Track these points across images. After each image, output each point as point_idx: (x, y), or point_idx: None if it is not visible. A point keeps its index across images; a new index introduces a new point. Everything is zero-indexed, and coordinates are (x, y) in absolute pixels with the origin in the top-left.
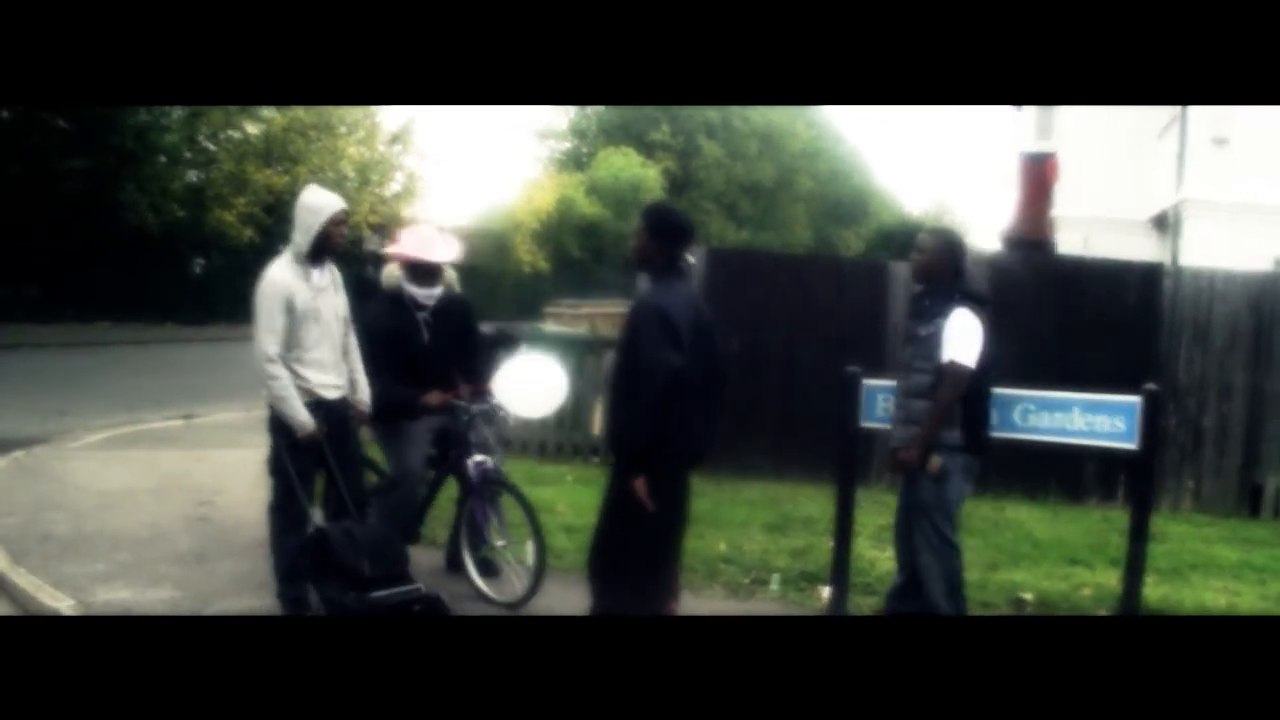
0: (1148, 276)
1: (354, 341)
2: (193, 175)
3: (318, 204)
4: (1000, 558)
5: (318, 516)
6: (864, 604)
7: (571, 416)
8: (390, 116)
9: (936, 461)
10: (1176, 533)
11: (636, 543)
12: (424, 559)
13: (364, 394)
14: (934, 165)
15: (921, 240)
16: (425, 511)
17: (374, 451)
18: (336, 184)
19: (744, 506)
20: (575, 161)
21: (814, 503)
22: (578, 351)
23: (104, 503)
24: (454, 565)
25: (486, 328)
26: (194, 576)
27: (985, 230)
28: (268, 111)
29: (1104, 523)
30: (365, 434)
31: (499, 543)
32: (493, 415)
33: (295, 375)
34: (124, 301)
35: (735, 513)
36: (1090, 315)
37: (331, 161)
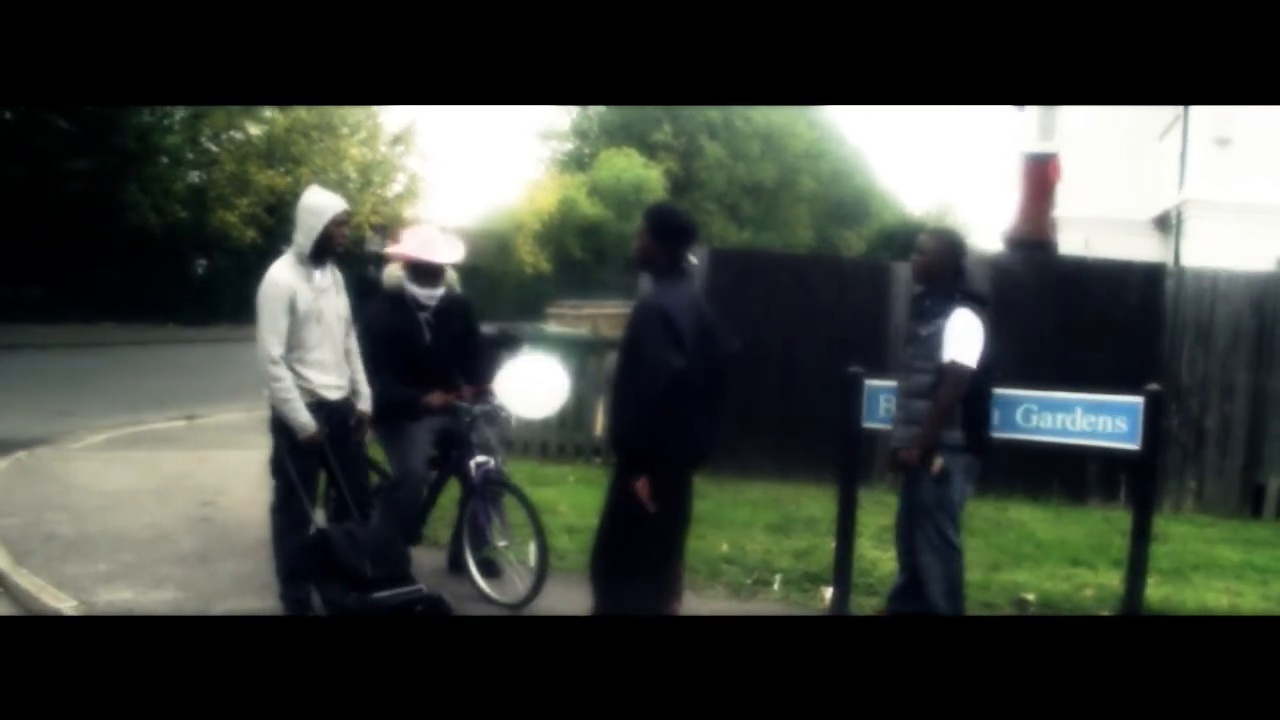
0: (1150, 277)
1: (355, 344)
2: (195, 176)
3: (319, 205)
4: (1002, 558)
5: (319, 518)
6: (866, 604)
7: (573, 417)
8: (392, 117)
9: (939, 463)
10: (1178, 533)
11: (639, 543)
12: (426, 560)
13: (365, 398)
14: (936, 166)
15: (922, 241)
16: (427, 512)
17: (376, 452)
18: (338, 185)
19: (746, 507)
20: (577, 162)
21: (816, 503)
22: (579, 352)
23: (106, 503)
24: (456, 566)
25: (488, 328)
26: (196, 577)
27: (987, 231)
28: (270, 112)
29: (1106, 523)
30: (367, 434)
31: (501, 543)
32: (495, 416)
33: (297, 376)
34: (126, 302)
35: (737, 513)
36: (1092, 315)
37: (334, 162)
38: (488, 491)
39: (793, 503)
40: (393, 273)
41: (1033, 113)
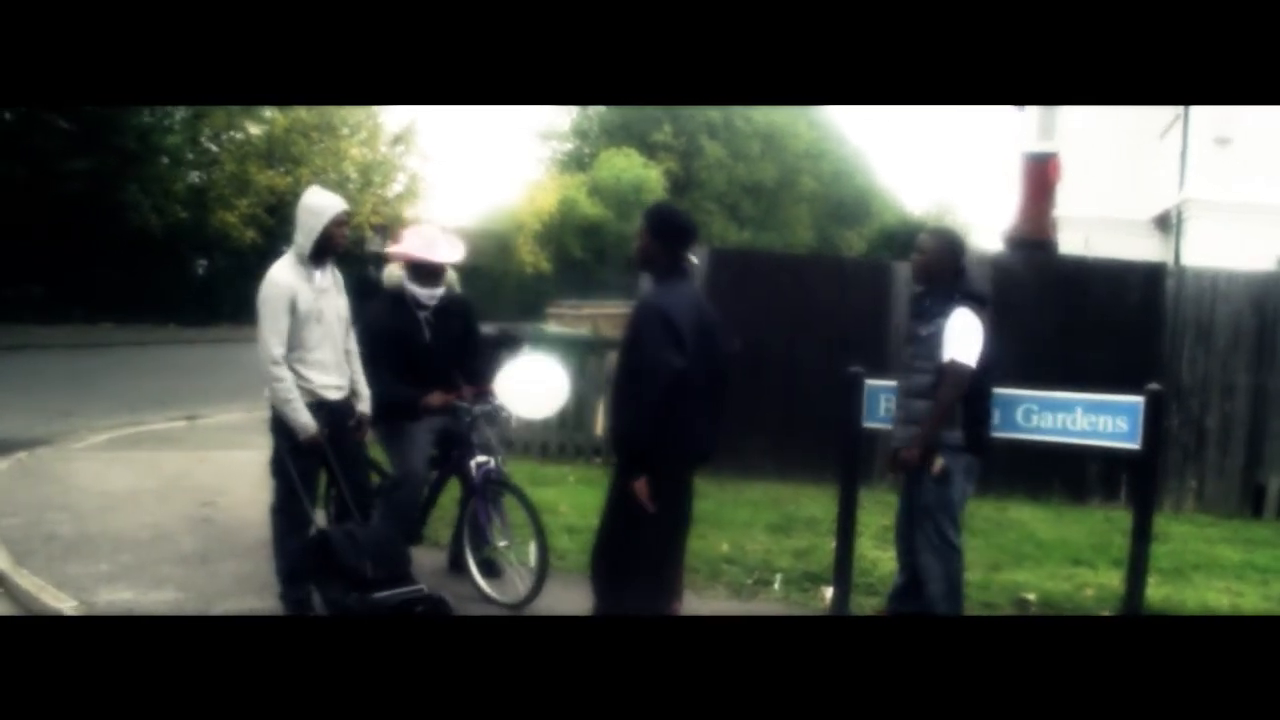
0: (1150, 276)
1: (354, 345)
2: (195, 176)
3: (319, 205)
4: (1003, 558)
5: (320, 518)
6: (866, 604)
7: (574, 417)
8: (392, 117)
9: (940, 463)
10: (1179, 533)
11: (639, 544)
12: (426, 560)
13: (364, 399)
14: (936, 165)
15: (921, 241)
16: (428, 512)
17: (376, 452)
18: (339, 185)
19: (746, 507)
20: (577, 162)
21: (816, 503)
22: (580, 352)
23: (107, 504)
24: (456, 566)
25: (489, 328)
26: (197, 578)
27: (988, 230)
28: (270, 112)
29: (1107, 523)
30: (367, 435)
31: (501, 543)
32: (495, 416)
33: (298, 376)
34: (126, 303)
35: (738, 513)
36: (1093, 315)
37: (334, 162)
38: (488, 491)
39: (793, 502)
40: (393, 272)
41: (1033, 113)
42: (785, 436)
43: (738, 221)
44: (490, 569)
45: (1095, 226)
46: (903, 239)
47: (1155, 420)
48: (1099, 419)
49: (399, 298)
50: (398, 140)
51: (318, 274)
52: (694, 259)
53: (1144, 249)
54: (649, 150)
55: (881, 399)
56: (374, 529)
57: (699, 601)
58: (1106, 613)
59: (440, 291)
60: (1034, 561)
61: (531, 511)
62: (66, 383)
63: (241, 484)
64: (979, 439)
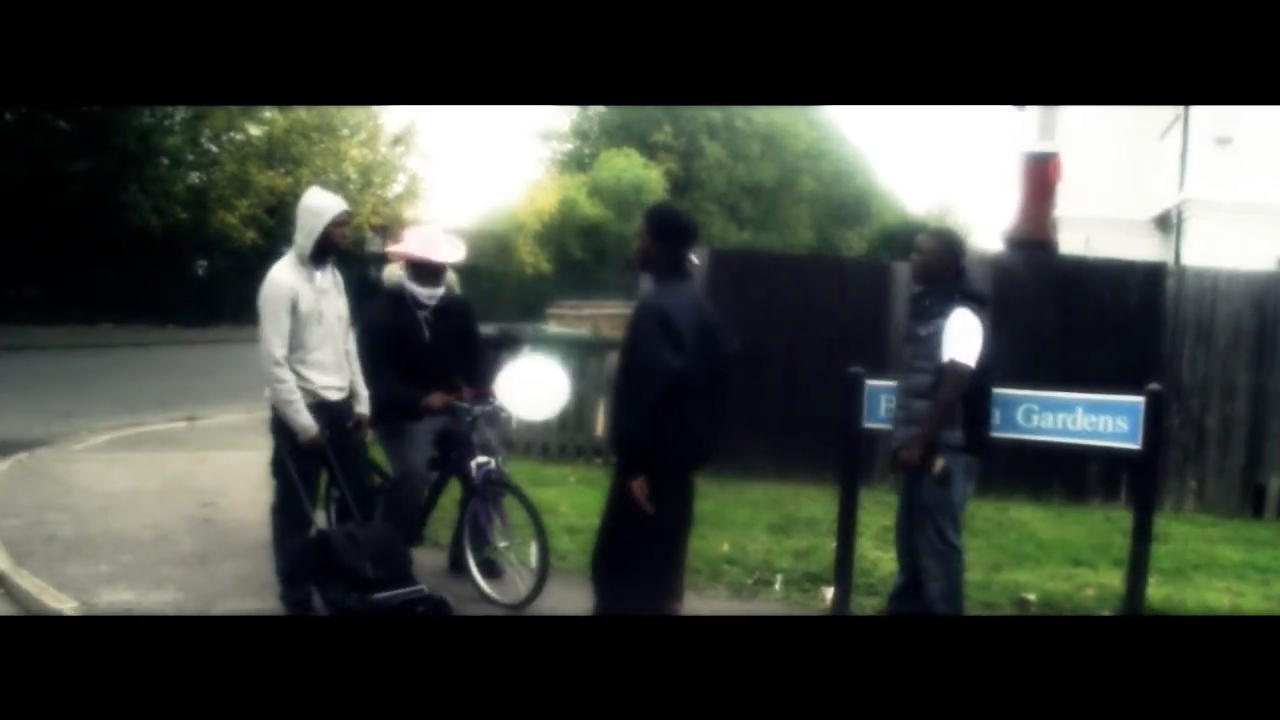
0: (1150, 276)
1: (354, 346)
2: (195, 177)
3: (319, 206)
4: (1004, 558)
5: (320, 518)
6: (867, 604)
7: (574, 418)
8: (393, 118)
9: (941, 463)
10: (1179, 533)
11: (640, 544)
12: (427, 560)
13: (363, 400)
14: (937, 166)
15: (921, 241)
16: (428, 513)
17: (376, 453)
18: (339, 186)
19: (747, 507)
20: (577, 163)
21: (817, 503)
22: (580, 353)
23: (107, 504)
24: (457, 566)
25: (489, 329)
26: (197, 578)
27: (988, 230)
28: (270, 113)
29: (1107, 523)
30: (367, 435)
31: (502, 544)
32: (495, 417)
33: (299, 377)
34: (126, 303)
35: (738, 514)
36: (1093, 315)
37: (334, 163)
38: (489, 492)
39: (793, 503)
40: (393, 272)
41: (1033, 112)
42: (786, 437)
43: (738, 222)
44: (491, 569)
45: (1095, 226)
46: (903, 239)
47: (1155, 420)
48: (1099, 419)
49: (399, 297)
50: (398, 141)
51: (318, 274)
52: (695, 259)
53: (1144, 249)
54: (649, 151)
55: (882, 399)
56: (374, 529)
57: (699, 602)
58: (1107, 613)
59: (440, 291)
60: (1034, 562)
61: (532, 512)
62: (66, 383)
63: (242, 485)
64: (979, 439)
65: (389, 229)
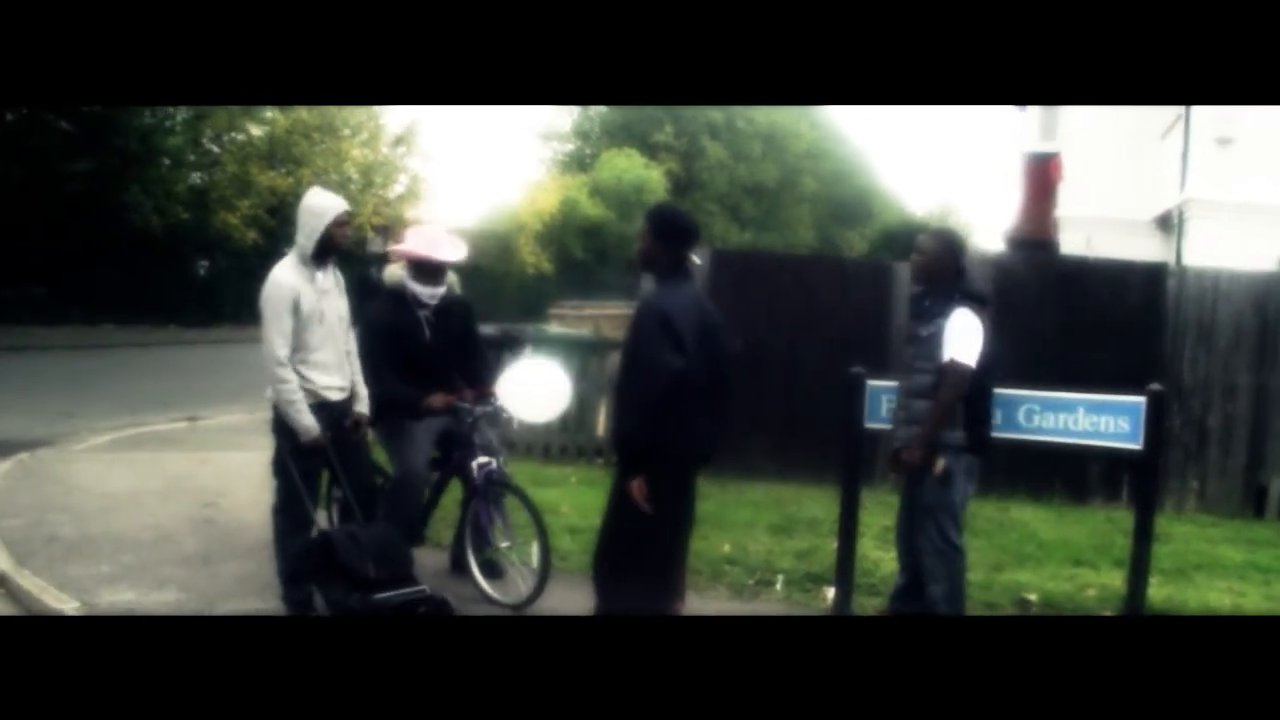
0: (1152, 276)
1: (354, 346)
2: (196, 177)
3: (321, 206)
4: (1005, 558)
5: (321, 519)
6: (868, 605)
7: (575, 418)
8: (394, 118)
9: (942, 464)
10: (1181, 533)
11: (641, 544)
12: (429, 561)
13: (363, 400)
14: (938, 166)
15: (921, 241)
16: (430, 513)
17: (377, 454)
18: (340, 186)
19: (748, 508)
20: (578, 163)
21: (818, 504)
22: (581, 353)
23: (108, 505)
24: (458, 567)
25: (490, 329)
26: (198, 579)
27: (989, 230)
28: (271, 113)
29: (1108, 523)
30: (368, 435)
31: (503, 544)
32: (496, 417)
33: (300, 377)
34: (128, 303)
35: (739, 514)
36: (1094, 315)
37: (335, 163)
38: (490, 492)
39: (795, 503)
40: (394, 271)
41: (1034, 113)
42: (787, 437)
43: (739, 222)
44: (492, 570)
45: (1096, 226)
46: (904, 239)
47: (1157, 420)
48: (1100, 419)
49: (400, 296)
50: (399, 141)
51: (320, 275)
52: (696, 260)
53: (1145, 249)
54: (650, 151)
55: (883, 399)
56: (376, 529)
57: (701, 602)
58: (1108, 613)
59: (441, 291)
60: (1036, 562)
61: (533, 512)
62: (67, 384)
63: (243, 485)
64: (980, 439)
65: (390, 229)
